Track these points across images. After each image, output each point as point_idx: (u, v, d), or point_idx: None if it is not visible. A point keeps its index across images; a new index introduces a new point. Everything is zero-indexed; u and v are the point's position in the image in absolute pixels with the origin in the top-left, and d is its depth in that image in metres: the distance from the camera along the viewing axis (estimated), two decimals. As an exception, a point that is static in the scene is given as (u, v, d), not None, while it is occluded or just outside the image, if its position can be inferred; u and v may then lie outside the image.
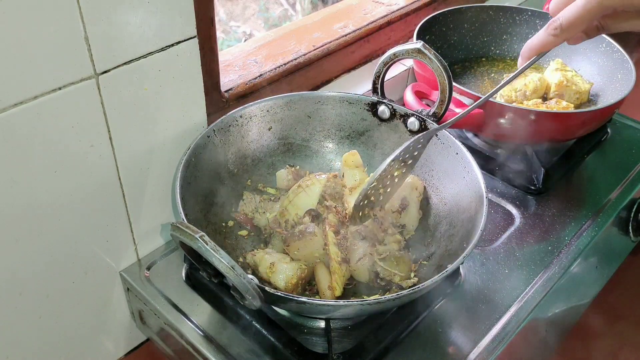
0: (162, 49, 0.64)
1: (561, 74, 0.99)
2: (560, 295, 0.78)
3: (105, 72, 0.60)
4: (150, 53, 0.63)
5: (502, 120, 0.86)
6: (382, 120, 0.81)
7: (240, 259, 0.71)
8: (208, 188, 0.72)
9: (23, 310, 0.65)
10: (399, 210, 0.74)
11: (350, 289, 0.70)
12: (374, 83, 0.80)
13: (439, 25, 1.08)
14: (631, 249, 0.99)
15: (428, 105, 0.80)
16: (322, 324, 0.68)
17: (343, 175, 0.78)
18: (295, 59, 0.92)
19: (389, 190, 0.73)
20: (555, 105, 0.95)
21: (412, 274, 0.70)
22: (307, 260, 0.68)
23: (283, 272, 0.65)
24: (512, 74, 0.65)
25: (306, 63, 0.93)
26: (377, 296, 0.68)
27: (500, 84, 0.68)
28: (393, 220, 0.74)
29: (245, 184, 0.79)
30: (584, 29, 0.56)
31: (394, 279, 0.68)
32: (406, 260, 0.70)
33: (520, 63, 0.63)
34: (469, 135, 1.01)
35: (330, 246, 0.68)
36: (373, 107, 0.81)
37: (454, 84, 0.75)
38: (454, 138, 0.73)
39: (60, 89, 0.56)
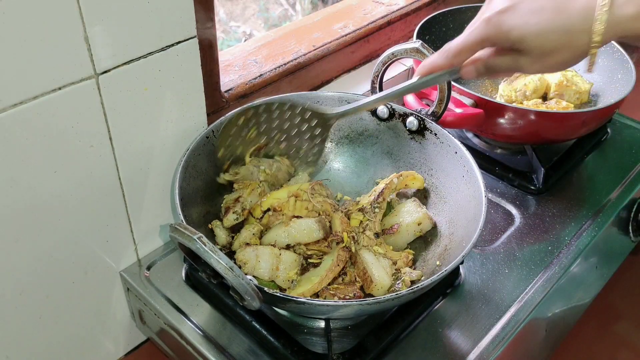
0: (162, 49, 0.64)
1: (561, 73, 0.99)
2: (560, 295, 0.78)
3: (105, 72, 0.60)
4: (150, 53, 0.63)
5: (502, 120, 0.86)
6: (381, 119, 0.81)
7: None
8: (207, 189, 0.72)
9: (23, 310, 0.65)
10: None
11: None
12: (373, 82, 0.80)
13: (439, 25, 1.08)
14: (631, 249, 0.99)
15: (428, 105, 0.80)
16: (322, 324, 0.68)
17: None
18: (295, 59, 0.92)
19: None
20: (555, 105, 0.95)
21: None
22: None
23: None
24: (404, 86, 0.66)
25: (306, 63, 0.93)
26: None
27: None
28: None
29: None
30: (475, 66, 0.62)
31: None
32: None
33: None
34: (469, 135, 1.01)
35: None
36: (373, 107, 0.81)
37: (453, 83, 0.75)
38: (453, 138, 0.73)
39: (60, 89, 0.56)
